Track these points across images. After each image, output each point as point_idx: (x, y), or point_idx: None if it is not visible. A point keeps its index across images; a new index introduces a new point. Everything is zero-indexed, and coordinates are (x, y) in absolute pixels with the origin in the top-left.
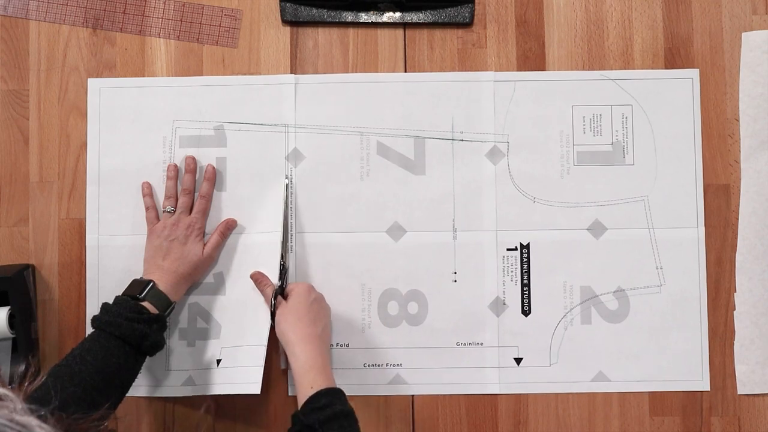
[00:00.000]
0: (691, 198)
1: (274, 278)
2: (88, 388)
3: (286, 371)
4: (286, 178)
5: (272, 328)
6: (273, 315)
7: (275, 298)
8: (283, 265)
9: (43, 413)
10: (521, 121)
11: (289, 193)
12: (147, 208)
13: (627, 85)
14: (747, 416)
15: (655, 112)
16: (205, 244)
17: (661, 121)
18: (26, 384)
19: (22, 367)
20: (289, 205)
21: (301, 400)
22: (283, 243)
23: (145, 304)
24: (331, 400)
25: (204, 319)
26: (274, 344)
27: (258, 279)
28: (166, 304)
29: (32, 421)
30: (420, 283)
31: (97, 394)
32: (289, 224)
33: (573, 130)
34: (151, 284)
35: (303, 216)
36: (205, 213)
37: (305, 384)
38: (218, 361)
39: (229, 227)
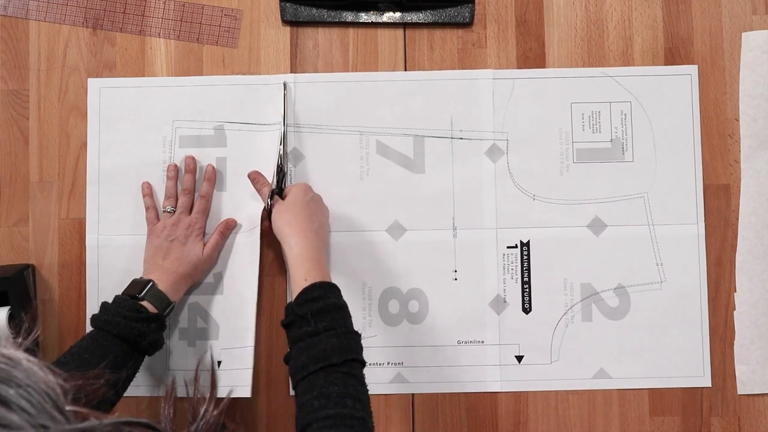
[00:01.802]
0: (690, 194)
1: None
2: None
3: (287, 370)
4: (285, 84)
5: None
6: (269, 214)
7: (272, 197)
8: (280, 167)
9: (31, 348)
10: (520, 119)
11: (287, 95)
12: (147, 208)
13: (626, 82)
14: (747, 416)
15: (653, 109)
16: (205, 244)
17: (660, 118)
18: (20, 339)
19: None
20: (288, 108)
21: (295, 292)
22: (282, 146)
23: (145, 303)
24: (324, 292)
25: (204, 319)
26: (269, 343)
27: (255, 178)
28: (165, 304)
29: (19, 354)
30: (420, 282)
31: None
32: (287, 130)
33: (572, 127)
34: (150, 284)
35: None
36: (205, 213)
37: (299, 276)
38: (219, 363)
39: (229, 227)
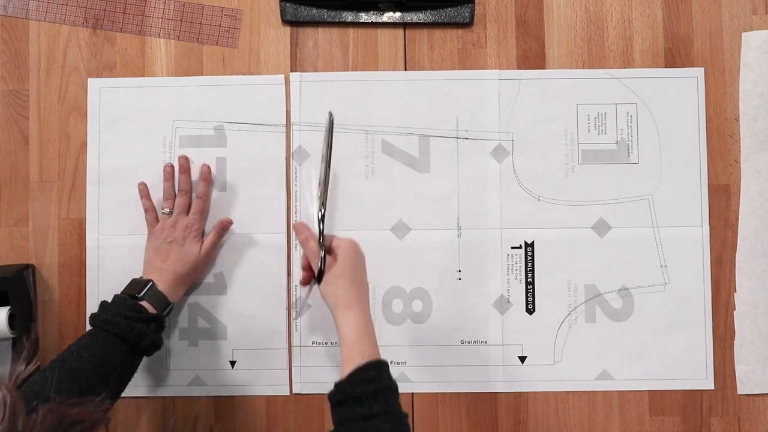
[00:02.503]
0: (695, 197)
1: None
2: (84, 385)
3: (287, 372)
4: (330, 115)
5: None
6: (320, 273)
7: (324, 256)
8: (323, 213)
9: (31, 408)
10: (526, 120)
11: (333, 128)
12: (145, 210)
13: (632, 84)
14: (747, 416)
15: (659, 111)
16: (202, 244)
17: (666, 120)
18: (22, 368)
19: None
20: (332, 144)
21: (348, 368)
22: (323, 185)
23: (144, 303)
24: (379, 373)
25: (205, 319)
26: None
27: (299, 230)
28: (164, 304)
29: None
30: (424, 281)
31: (93, 391)
32: (331, 165)
33: (578, 128)
34: (150, 284)
35: (308, 214)
36: (202, 213)
37: (356, 352)
38: (232, 363)
39: (225, 227)
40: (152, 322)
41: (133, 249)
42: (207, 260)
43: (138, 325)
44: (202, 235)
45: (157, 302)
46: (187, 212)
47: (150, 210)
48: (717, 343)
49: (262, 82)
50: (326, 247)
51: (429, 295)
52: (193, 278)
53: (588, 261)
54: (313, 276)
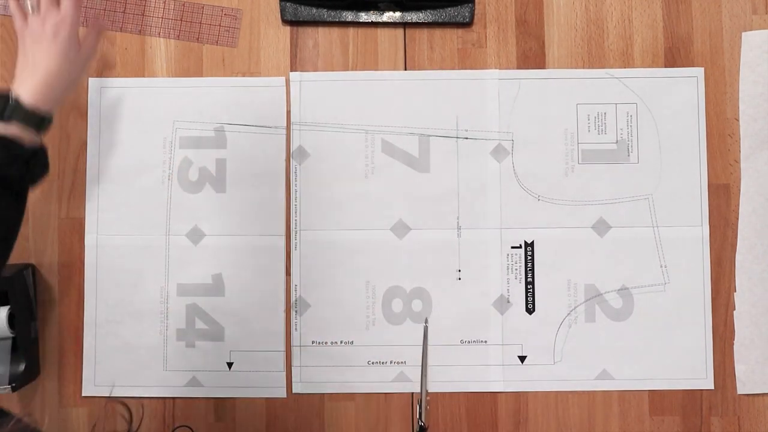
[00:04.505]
0: (695, 196)
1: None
2: None
3: (286, 372)
4: (426, 322)
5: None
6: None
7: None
8: (422, 427)
9: None
10: (526, 119)
11: (427, 335)
12: (13, 16)
13: (632, 84)
14: (747, 416)
15: (659, 111)
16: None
17: (666, 120)
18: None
19: (22, 367)
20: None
21: None
22: (421, 395)
23: (12, 125)
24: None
25: (203, 320)
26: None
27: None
28: (35, 119)
29: None
30: (424, 281)
31: None
32: (426, 370)
33: (578, 128)
34: (9, 97)
35: (307, 213)
36: (76, 7)
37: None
38: (229, 365)
39: (101, 25)
40: (6, 148)
41: (132, 249)
42: (85, 54)
43: None
44: (78, 31)
45: (25, 117)
46: (58, 6)
47: (18, 8)
48: (717, 343)
49: (262, 84)
50: None
51: (429, 294)
52: (71, 73)
53: (588, 261)
54: None
